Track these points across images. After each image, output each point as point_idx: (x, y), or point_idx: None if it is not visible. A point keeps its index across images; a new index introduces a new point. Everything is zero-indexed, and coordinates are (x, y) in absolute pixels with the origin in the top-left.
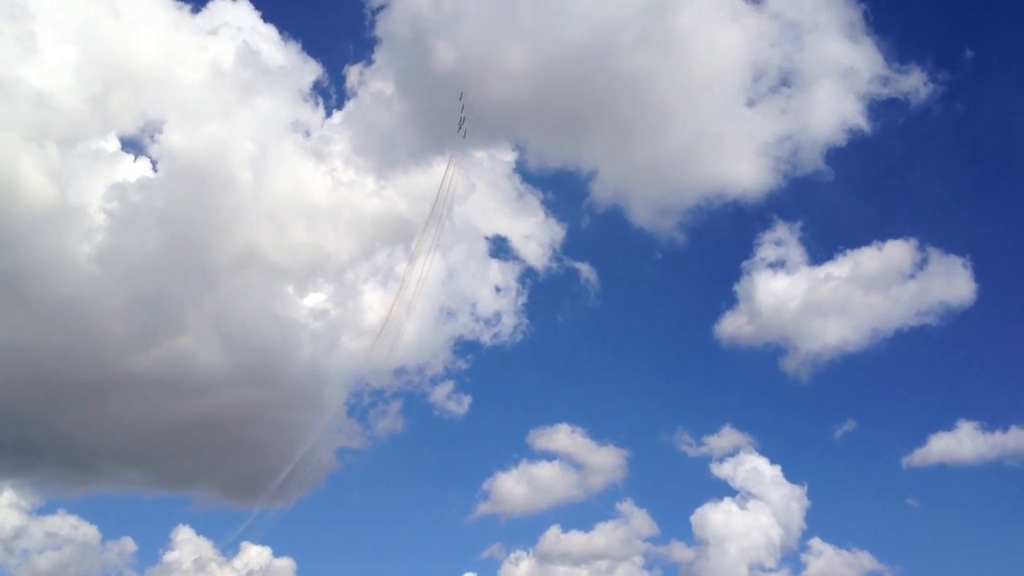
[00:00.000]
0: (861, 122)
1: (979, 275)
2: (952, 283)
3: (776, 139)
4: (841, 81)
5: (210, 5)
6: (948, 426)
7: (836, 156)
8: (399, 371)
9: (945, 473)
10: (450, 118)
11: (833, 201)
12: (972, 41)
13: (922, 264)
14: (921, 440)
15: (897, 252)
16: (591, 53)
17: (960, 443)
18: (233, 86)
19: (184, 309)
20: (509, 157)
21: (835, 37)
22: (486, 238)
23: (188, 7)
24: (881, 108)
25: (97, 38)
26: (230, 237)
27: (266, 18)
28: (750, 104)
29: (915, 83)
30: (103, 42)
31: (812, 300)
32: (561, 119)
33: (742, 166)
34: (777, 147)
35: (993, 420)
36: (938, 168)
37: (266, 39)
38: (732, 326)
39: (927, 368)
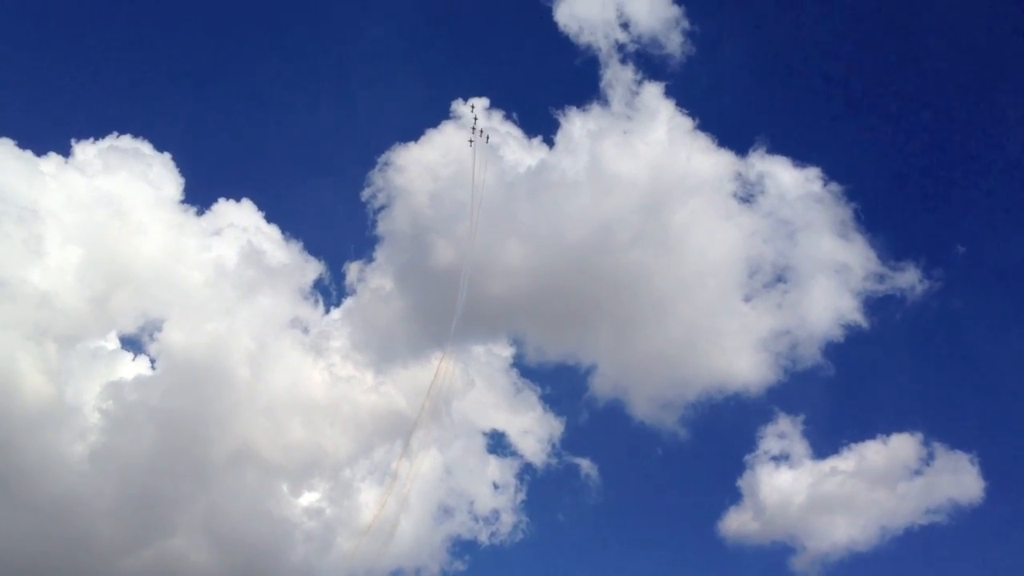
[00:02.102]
0: (858, 318)
1: (987, 472)
2: (960, 480)
3: (774, 334)
4: (835, 278)
5: (214, 207)
6: None
7: (835, 351)
8: (395, 573)
9: None
10: (449, 313)
11: (835, 395)
12: (962, 237)
13: (928, 459)
14: None
15: (903, 446)
16: (588, 249)
17: None
18: (235, 285)
19: (176, 509)
20: (507, 352)
21: (827, 235)
22: (484, 433)
23: (194, 209)
24: (877, 305)
25: (102, 239)
26: (226, 434)
27: (269, 218)
28: (746, 299)
29: (910, 280)
30: (108, 243)
31: (818, 496)
32: (559, 314)
33: (741, 360)
34: (775, 342)
35: None
36: (938, 363)
37: (269, 239)
38: (737, 522)
39: (939, 569)
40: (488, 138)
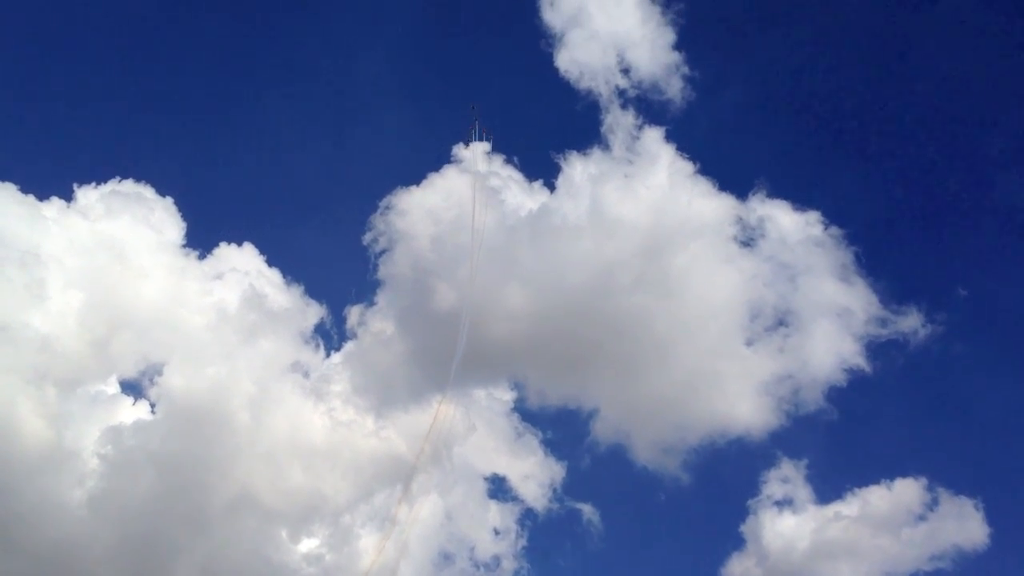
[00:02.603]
0: (861, 362)
1: (992, 518)
2: (964, 526)
3: (776, 378)
4: (837, 321)
5: (216, 251)
6: None
7: (838, 395)
8: None
9: None
10: (451, 357)
11: (838, 439)
12: (964, 281)
13: (932, 505)
14: None
15: (907, 491)
16: (590, 293)
17: None
18: (236, 329)
19: (175, 554)
20: (508, 396)
21: (828, 279)
22: (484, 478)
23: (195, 253)
24: (880, 349)
25: (104, 283)
26: (225, 480)
27: (271, 262)
28: (748, 343)
29: (913, 324)
30: (110, 287)
31: (822, 541)
32: (561, 357)
33: (744, 404)
34: (778, 386)
35: None
36: (942, 407)
37: (271, 283)
38: (740, 568)
39: None
40: (491, 136)
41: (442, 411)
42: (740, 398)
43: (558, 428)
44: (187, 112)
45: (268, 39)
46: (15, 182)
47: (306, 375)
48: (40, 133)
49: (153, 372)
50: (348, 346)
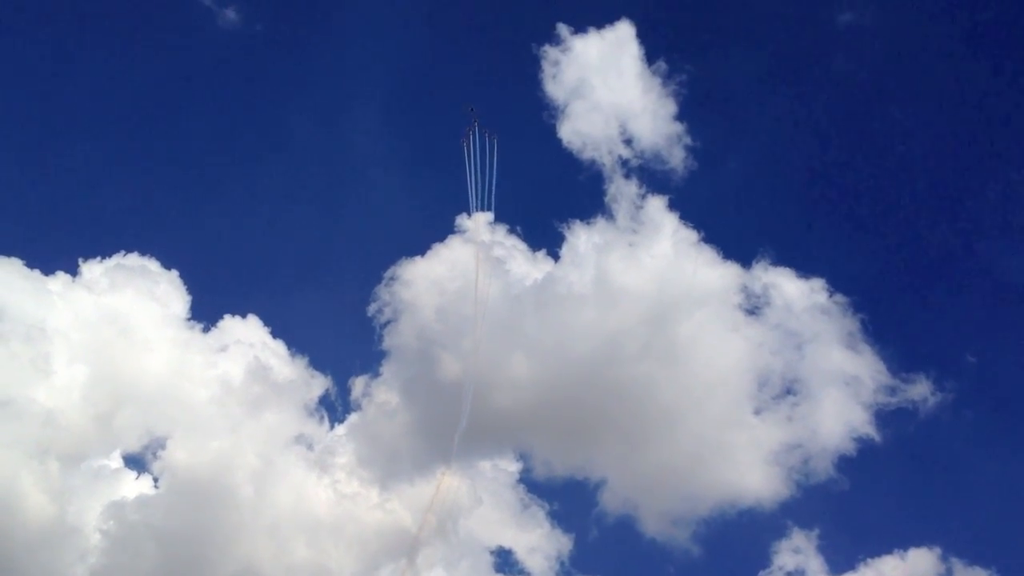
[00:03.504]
0: (870, 431)
1: None
2: None
3: (785, 447)
4: (845, 390)
5: (220, 323)
6: None
7: (848, 465)
8: None
9: None
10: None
11: (849, 509)
12: (972, 347)
13: (947, 575)
14: None
15: (921, 562)
16: (595, 362)
17: None
18: (240, 401)
19: None
20: (514, 467)
21: (835, 347)
22: (490, 551)
23: (200, 326)
24: (890, 417)
25: (109, 357)
26: (228, 555)
27: (275, 334)
28: (756, 412)
29: (922, 392)
30: (114, 361)
31: None
32: (567, 428)
33: (753, 474)
34: (787, 455)
35: None
36: (954, 476)
37: (276, 354)
38: None
39: None
40: (494, 138)
41: (445, 483)
42: (749, 468)
43: (565, 499)
44: (191, 186)
45: (270, 113)
46: (21, 257)
47: (310, 447)
48: (45, 208)
49: (157, 446)
50: (352, 417)
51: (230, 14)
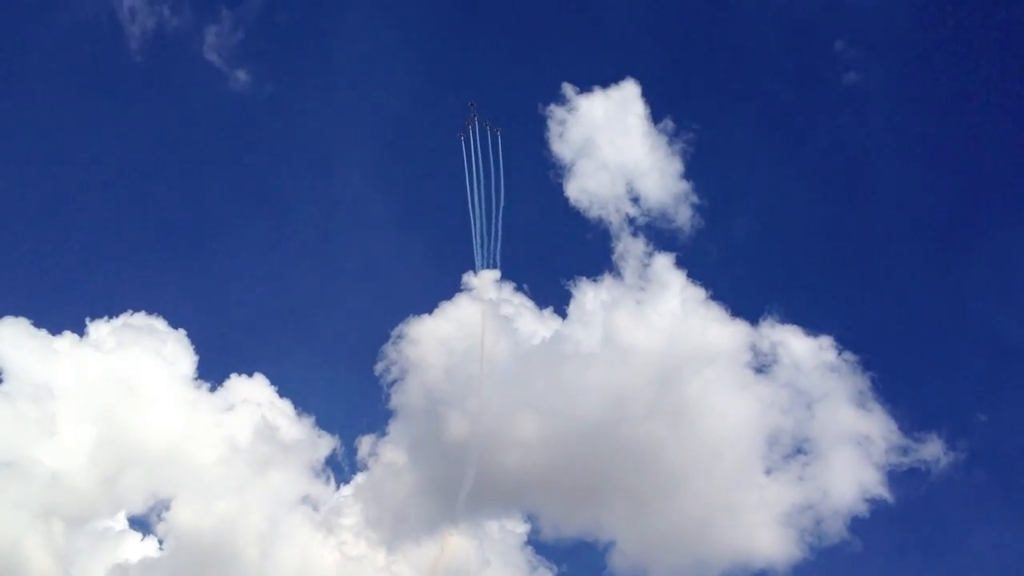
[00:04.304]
0: (883, 492)
1: None
2: None
3: (797, 508)
4: (857, 449)
5: (227, 383)
6: None
7: (860, 526)
8: None
9: None
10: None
11: (863, 572)
12: (983, 406)
13: None
14: None
15: None
16: (604, 422)
17: None
18: (247, 461)
19: None
20: (521, 528)
21: (846, 406)
22: None
23: (207, 385)
24: (902, 477)
25: (115, 418)
26: None
27: (282, 393)
28: (767, 472)
29: (934, 451)
30: (121, 422)
31: None
32: (575, 488)
33: (765, 536)
34: (799, 516)
35: None
36: (967, 535)
37: (283, 414)
38: None
39: None
40: (500, 131)
41: (452, 544)
42: (761, 529)
43: (573, 561)
44: (199, 244)
45: (277, 173)
46: (28, 316)
47: (316, 508)
48: (53, 267)
49: (161, 507)
50: (359, 478)
51: (241, 76)
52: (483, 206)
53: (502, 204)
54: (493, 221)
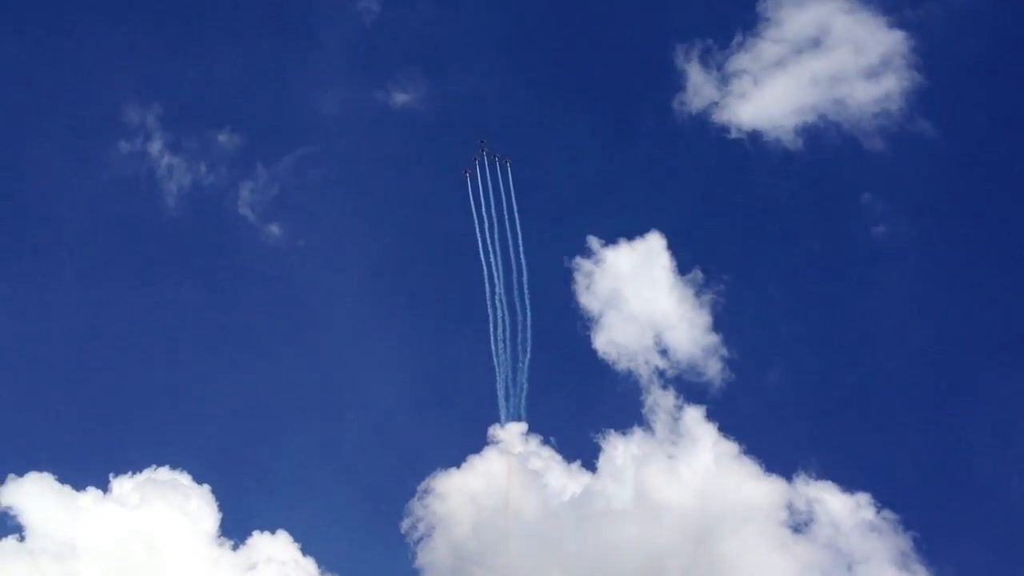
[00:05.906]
0: None
1: None
2: None
3: None
4: None
5: (249, 540)
6: None
7: None
8: None
9: None
10: None
11: None
12: None
13: None
14: None
15: None
16: None
17: None
18: None
19: None
20: None
21: (888, 567)
22: None
23: (229, 543)
24: None
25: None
26: None
27: (305, 551)
28: None
29: None
30: None
31: None
32: None
33: None
34: None
35: None
36: None
37: (306, 572)
38: None
39: None
40: (508, 162)
41: None
42: None
43: None
44: (224, 399)
45: (306, 324)
46: (53, 472)
47: None
48: (76, 423)
49: None
50: None
51: (274, 230)
52: (509, 358)
53: (528, 356)
54: (519, 373)
